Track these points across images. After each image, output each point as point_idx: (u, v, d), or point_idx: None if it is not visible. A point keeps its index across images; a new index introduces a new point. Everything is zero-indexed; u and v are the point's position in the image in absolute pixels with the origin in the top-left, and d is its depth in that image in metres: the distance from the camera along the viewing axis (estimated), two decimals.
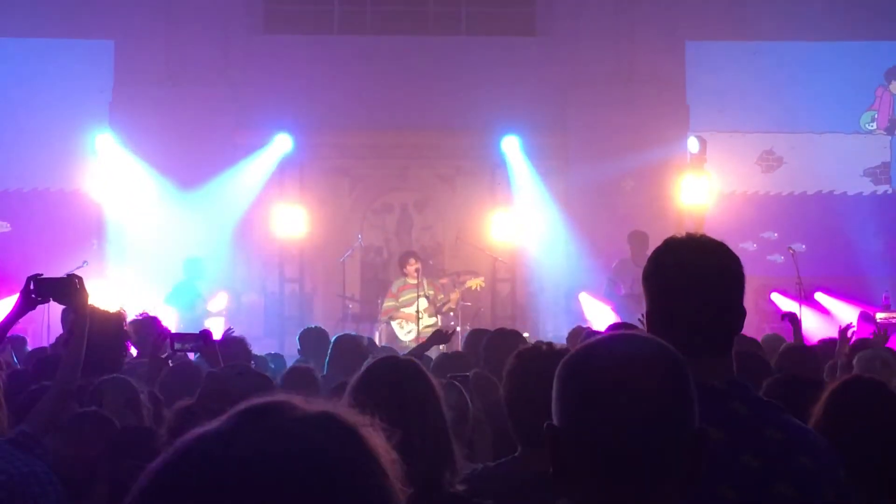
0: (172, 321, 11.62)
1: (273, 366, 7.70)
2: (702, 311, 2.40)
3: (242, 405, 1.07)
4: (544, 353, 3.25)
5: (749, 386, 2.43)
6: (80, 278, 4.89)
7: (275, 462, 1.00)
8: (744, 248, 14.54)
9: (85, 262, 13.01)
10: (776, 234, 15.21)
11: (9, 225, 15.02)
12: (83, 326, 4.79)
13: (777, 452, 2.29)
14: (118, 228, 14.53)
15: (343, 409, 1.09)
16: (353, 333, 8.41)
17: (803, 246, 15.05)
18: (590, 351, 1.78)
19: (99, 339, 4.94)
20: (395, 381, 2.94)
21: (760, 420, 2.34)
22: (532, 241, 15.06)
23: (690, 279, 2.42)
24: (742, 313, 2.45)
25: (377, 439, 1.07)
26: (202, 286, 13.45)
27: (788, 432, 2.34)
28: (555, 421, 1.74)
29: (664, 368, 1.74)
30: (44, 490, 3.44)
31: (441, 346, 12.19)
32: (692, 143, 14.67)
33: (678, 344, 2.29)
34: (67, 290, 4.83)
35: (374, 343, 9.97)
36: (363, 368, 3.08)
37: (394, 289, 13.27)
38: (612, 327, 5.52)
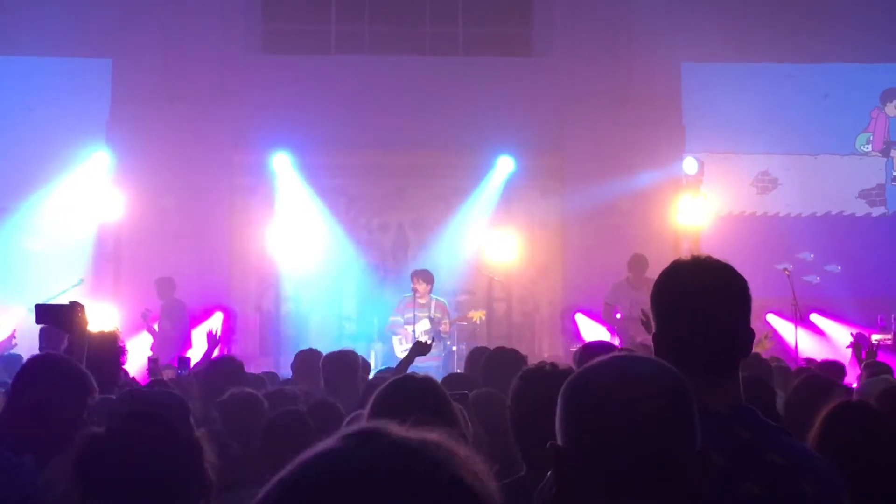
0: None
1: (270, 386, 7.69)
2: (707, 333, 2.39)
3: (350, 428, 1.15)
4: (549, 374, 3.26)
5: (754, 410, 2.42)
6: (81, 306, 4.91)
7: (385, 480, 1.08)
8: (780, 269, 14.69)
9: (80, 279, 13.04)
10: (812, 255, 15.26)
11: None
12: (81, 354, 4.78)
13: (779, 478, 2.28)
14: (113, 247, 14.52)
15: (441, 436, 1.16)
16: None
17: (839, 267, 15.16)
18: (593, 371, 1.80)
19: (92, 359, 4.92)
20: (418, 400, 2.96)
21: (763, 445, 2.33)
22: (527, 261, 15.09)
23: (696, 301, 2.41)
24: (749, 335, 2.44)
25: (476, 465, 1.14)
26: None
27: (791, 457, 2.33)
28: (558, 440, 1.76)
29: (667, 389, 1.75)
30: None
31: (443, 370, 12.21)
32: (691, 165, 14.73)
33: (685, 367, 2.29)
34: (68, 316, 4.85)
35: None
36: (386, 384, 3.11)
37: (399, 305, 13.21)
38: (595, 346, 5.49)
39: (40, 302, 5.22)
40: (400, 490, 1.06)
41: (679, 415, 1.73)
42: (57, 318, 4.97)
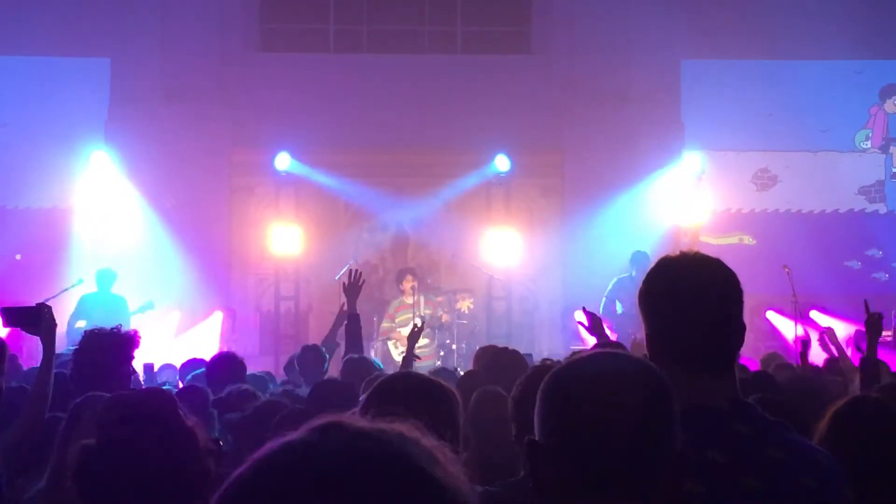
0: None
1: (272, 386, 7.75)
2: (699, 329, 2.35)
3: (312, 423, 1.15)
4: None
5: (753, 405, 2.40)
6: (48, 308, 4.79)
7: (352, 466, 1.08)
8: (849, 267, 14.70)
9: (81, 279, 12.99)
10: (881, 252, 15.26)
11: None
12: (50, 357, 4.70)
13: (779, 473, 2.27)
14: (110, 246, 14.49)
15: (406, 426, 1.17)
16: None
17: None
18: (571, 368, 1.81)
19: (102, 358, 4.83)
20: (413, 396, 2.93)
21: (763, 440, 2.31)
22: (527, 259, 15.07)
23: (686, 297, 2.37)
24: (741, 329, 2.41)
25: (444, 455, 1.15)
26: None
27: (791, 452, 2.31)
28: (536, 436, 1.76)
29: (645, 386, 1.74)
30: None
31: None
32: (694, 161, 14.73)
33: (682, 364, 2.27)
34: (35, 319, 4.75)
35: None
36: (383, 378, 3.08)
37: (391, 309, 13.25)
38: (597, 347, 5.52)
39: (7, 305, 5.11)
40: (357, 477, 1.07)
41: (657, 411, 1.73)
42: (24, 321, 4.87)
